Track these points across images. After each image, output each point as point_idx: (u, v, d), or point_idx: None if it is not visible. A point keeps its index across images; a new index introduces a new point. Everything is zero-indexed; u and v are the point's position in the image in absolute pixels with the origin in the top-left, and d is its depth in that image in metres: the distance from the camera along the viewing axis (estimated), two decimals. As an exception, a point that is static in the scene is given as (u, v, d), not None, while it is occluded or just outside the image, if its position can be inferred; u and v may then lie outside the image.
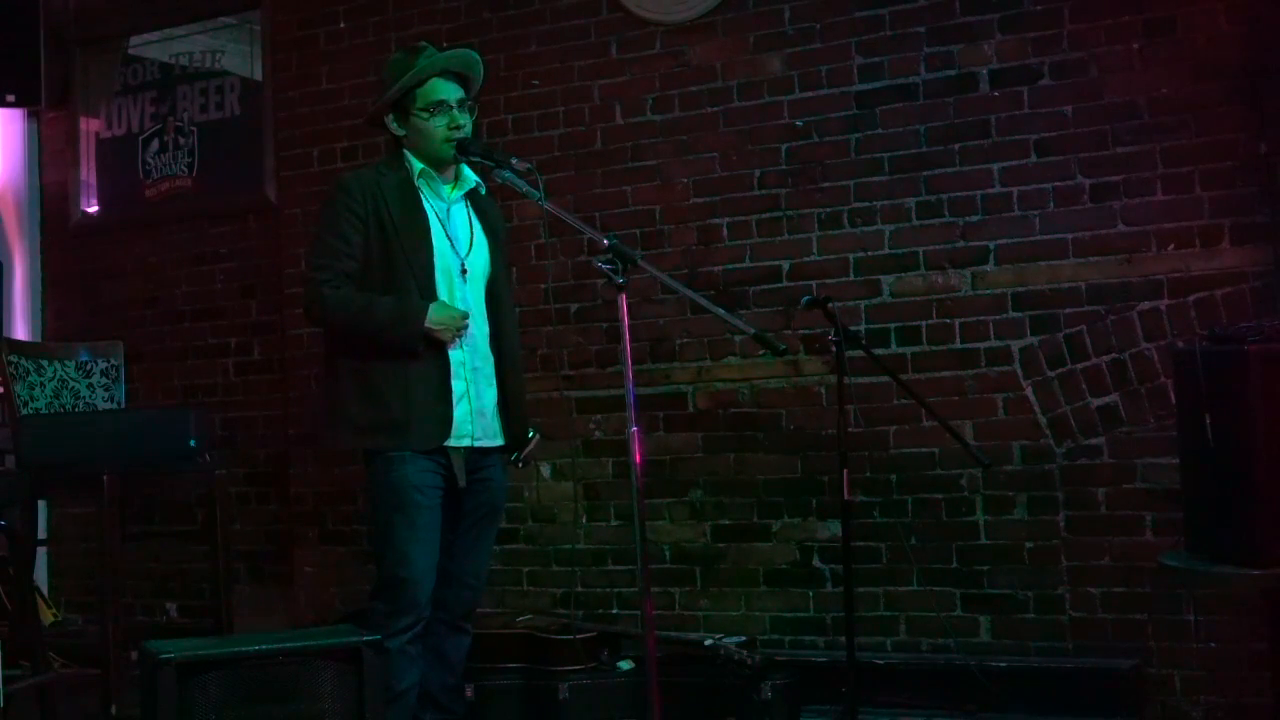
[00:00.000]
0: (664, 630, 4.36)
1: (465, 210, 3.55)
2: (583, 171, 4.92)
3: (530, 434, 3.60)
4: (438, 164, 3.49)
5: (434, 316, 3.35)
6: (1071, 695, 3.97)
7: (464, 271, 3.47)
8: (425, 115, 3.44)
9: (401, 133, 3.50)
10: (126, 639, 4.29)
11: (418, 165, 3.48)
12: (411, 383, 3.37)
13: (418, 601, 3.39)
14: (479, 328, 3.49)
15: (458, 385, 3.42)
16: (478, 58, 3.56)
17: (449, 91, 3.46)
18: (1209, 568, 3.14)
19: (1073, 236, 4.22)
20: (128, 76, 6.06)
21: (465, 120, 3.47)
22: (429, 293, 3.39)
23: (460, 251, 3.48)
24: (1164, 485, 3.99)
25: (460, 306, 3.44)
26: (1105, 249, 4.18)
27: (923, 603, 4.36)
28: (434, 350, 3.39)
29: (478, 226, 3.55)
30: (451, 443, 3.42)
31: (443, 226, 3.47)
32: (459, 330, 3.40)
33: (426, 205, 3.47)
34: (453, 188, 3.54)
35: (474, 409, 3.45)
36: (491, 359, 3.51)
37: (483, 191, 3.60)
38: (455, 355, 3.42)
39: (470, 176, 3.56)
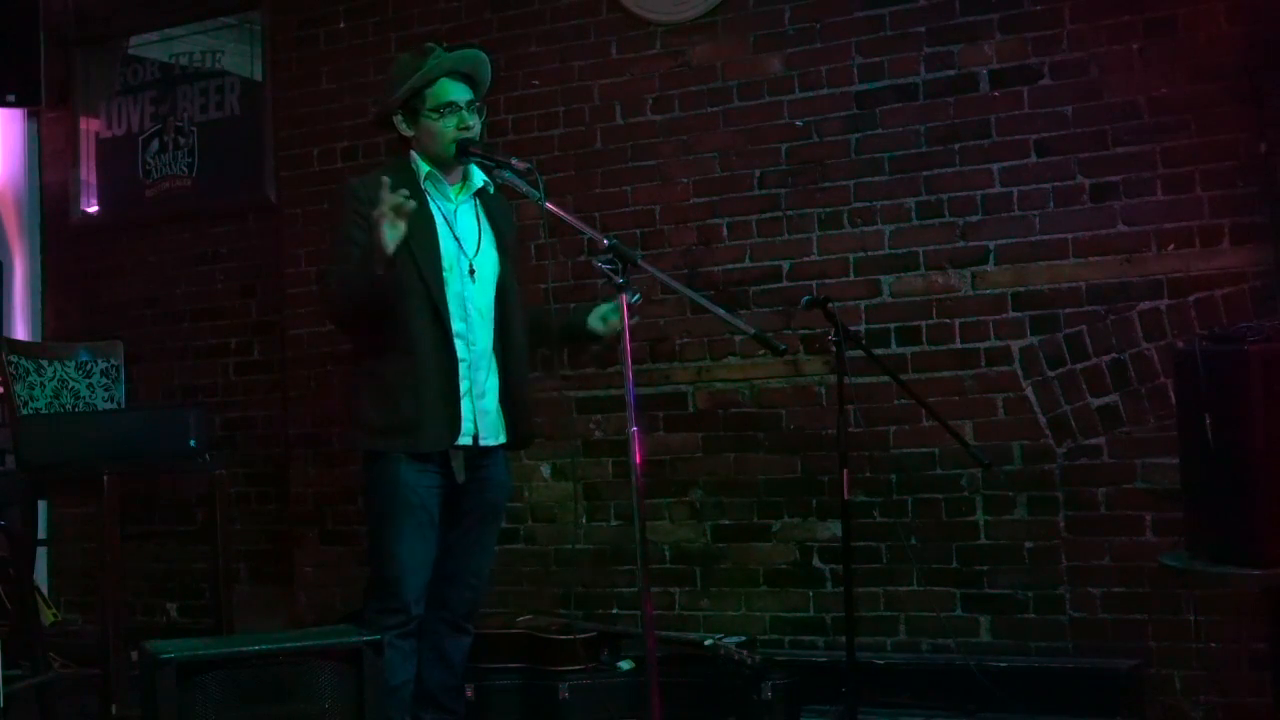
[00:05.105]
0: (664, 630, 4.35)
1: (473, 211, 3.54)
2: (583, 171, 4.92)
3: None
4: (443, 165, 3.49)
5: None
6: (1071, 695, 3.97)
7: (472, 272, 3.46)
8: (435, 116, 3.43)
9: (410, 133, 3.49)
10: (126, 639, 4.28)
11: (424, 168, 3.48)
12: (421, 385, 3.36)
13: (407, 601, 3.39)
14: (485, 328, 3.49)
15: (461, 384, 3.41)
16: (485, 58, 3.55)
17: (458, 92, 3.45)
18: (1209, 568, 3.13)
19: (1073, 236, 4.22)
20: (128, 76, 6.05)
21: (474, 121, 3.46)
22: (438, 294, 3.38)
23: (468, 253, 3.47)
24: (1164, 485, 3.99)
25: (469, 308, 3.44)
26: (1105, 249, 4.18)
27: (923, 603, 4.36)
28: (441, 351, 3.39)
29: (485, 227, 3.54)
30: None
31: (450, 228, 3.47)
32: (390, 209, 3.16)
33: (433, 207, 3.46)
34: (459, 189, 3.53)
35: (476, 407, 3.44)
36: (495, 358, 3.51)
37: (491, 191, 3.59)
38: (460, 353, 3.41)
39: (478, 177, 3.54)
